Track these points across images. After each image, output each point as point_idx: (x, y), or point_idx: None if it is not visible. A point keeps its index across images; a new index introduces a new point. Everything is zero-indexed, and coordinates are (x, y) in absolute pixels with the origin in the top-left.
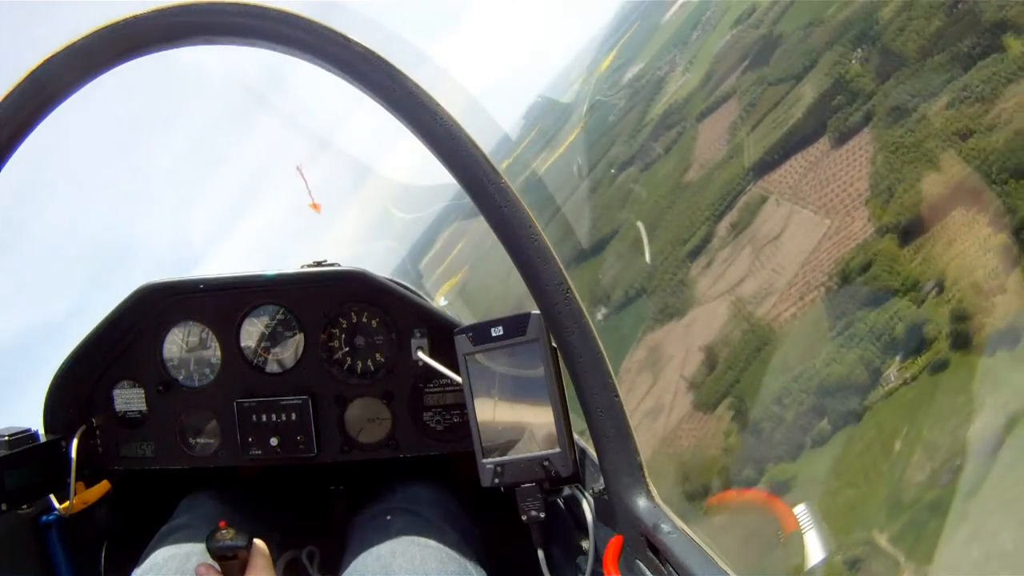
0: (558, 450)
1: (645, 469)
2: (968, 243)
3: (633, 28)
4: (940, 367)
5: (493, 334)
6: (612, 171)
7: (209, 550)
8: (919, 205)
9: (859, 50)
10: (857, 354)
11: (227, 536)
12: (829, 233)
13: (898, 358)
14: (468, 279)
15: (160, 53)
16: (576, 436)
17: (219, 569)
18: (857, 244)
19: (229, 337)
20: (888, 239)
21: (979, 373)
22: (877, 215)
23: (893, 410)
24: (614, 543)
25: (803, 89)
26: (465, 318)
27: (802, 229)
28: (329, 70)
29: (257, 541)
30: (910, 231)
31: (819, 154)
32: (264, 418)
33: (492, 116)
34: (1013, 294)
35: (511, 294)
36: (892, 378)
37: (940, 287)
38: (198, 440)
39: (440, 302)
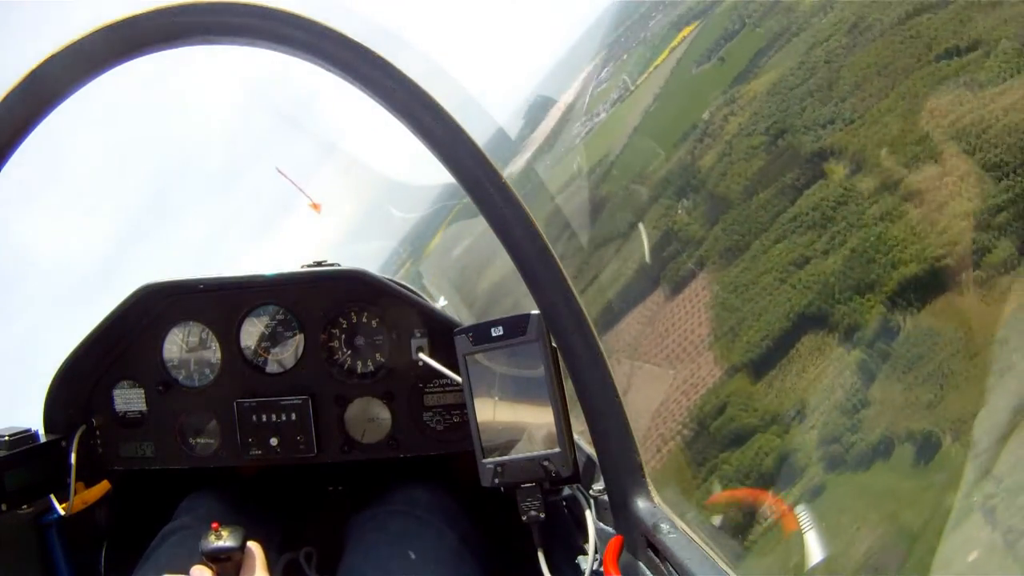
0: (558, 450)
1: (645, 469)
2: (823, 365)
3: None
4: (817, 493)
5: (493, 334)
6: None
7: (202, 552)
8: (766, 340)
9: (684, 200)
10: None
11: (220, 538)
12: (677, 383)
13: (771, 491)
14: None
15: (160, 53)
16: (576, 436)
17: (213, 570)
18: (708, 389)
19: (229, 337)
20: (739, 378)
21: (858, 490)
22: (724, 356)
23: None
24: (614, 543)
25: (631, 246)
26: (465, 318)
27: (648, 383)
28: (329, 70)
29: (251, 542)
30: (761, 365)
31: (655, 307)
32: (264, 418)
33: (492, 115)
34: (877, 407)
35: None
36: (768, 513)
37: (801, 414)
38: (198, 440)
39: (440, 302)
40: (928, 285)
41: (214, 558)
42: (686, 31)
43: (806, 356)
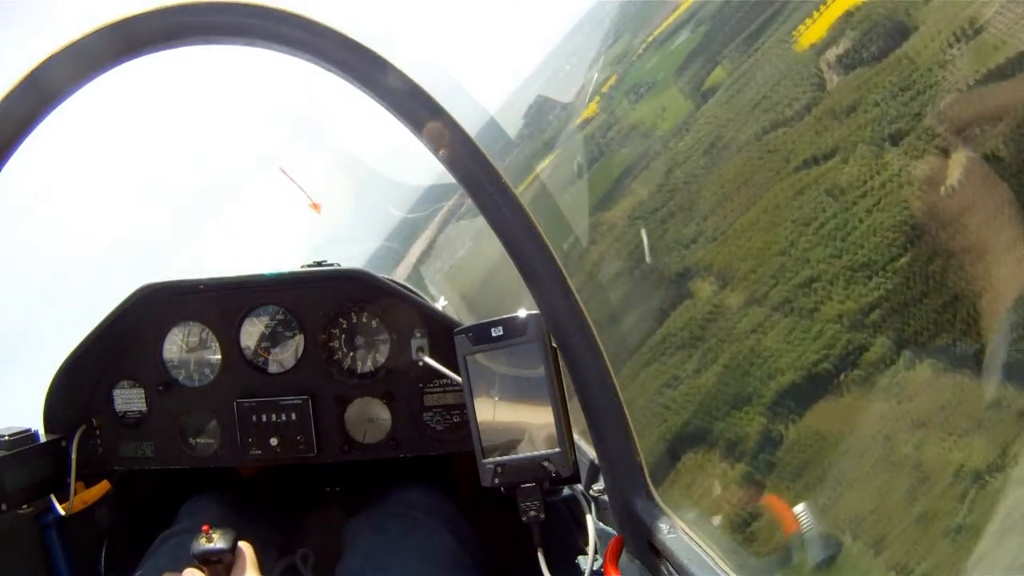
0: (558, 450)
1: (645, 469)
2: (707, 483)
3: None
4: None
5: (493, 334)
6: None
7: (193, 555)
8: (647, 460)
9: None
10: None
11: (211, 540)
12: None
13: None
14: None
15: (160, 53)
16: (576, 436)
17: (205, 572)
18: None
19: (229, 337)
20: None
21: None
22: None
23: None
24: (614, 543)
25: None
26: (465, 318)
27: None
28: (329, 69)
29: (242, 543)
30: None
31: None
32: (264, 418)
33: (492, 115)
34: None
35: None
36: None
37: None
38: (198, 440)
39: (440, 302)
40: (807, 391)
41: (205, 560)
42: (547, 160)
43: (687, 475)
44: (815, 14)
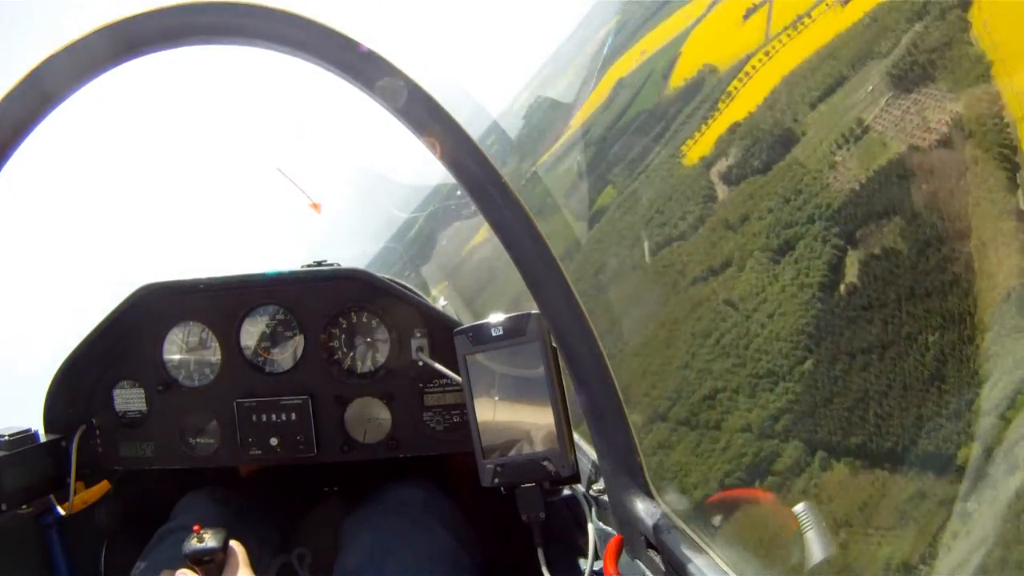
0: (558, 450)
1: (645, 469)
2: None
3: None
4: None
5: (493, 334)
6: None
7: (185, 554)
8: None
9: None
10: None
11: (202, 540)
12: None
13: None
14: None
15: (160, 53)
16: (576, 436)
17: (197, 572)
18: None
19: (229, 337)
20: None
21: None
22: None
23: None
24: (614, 543)
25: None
26: (465, 318)
27: None
28: (329, 70)
29: (234, 543)
30: None
31: None
32: (264, 418)
33: (492, 115)
34: None
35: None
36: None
37: None
38: (198, 440)
39: (440, 302)
40: None
41: (197, 560)
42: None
43: None
44: (703, 127)
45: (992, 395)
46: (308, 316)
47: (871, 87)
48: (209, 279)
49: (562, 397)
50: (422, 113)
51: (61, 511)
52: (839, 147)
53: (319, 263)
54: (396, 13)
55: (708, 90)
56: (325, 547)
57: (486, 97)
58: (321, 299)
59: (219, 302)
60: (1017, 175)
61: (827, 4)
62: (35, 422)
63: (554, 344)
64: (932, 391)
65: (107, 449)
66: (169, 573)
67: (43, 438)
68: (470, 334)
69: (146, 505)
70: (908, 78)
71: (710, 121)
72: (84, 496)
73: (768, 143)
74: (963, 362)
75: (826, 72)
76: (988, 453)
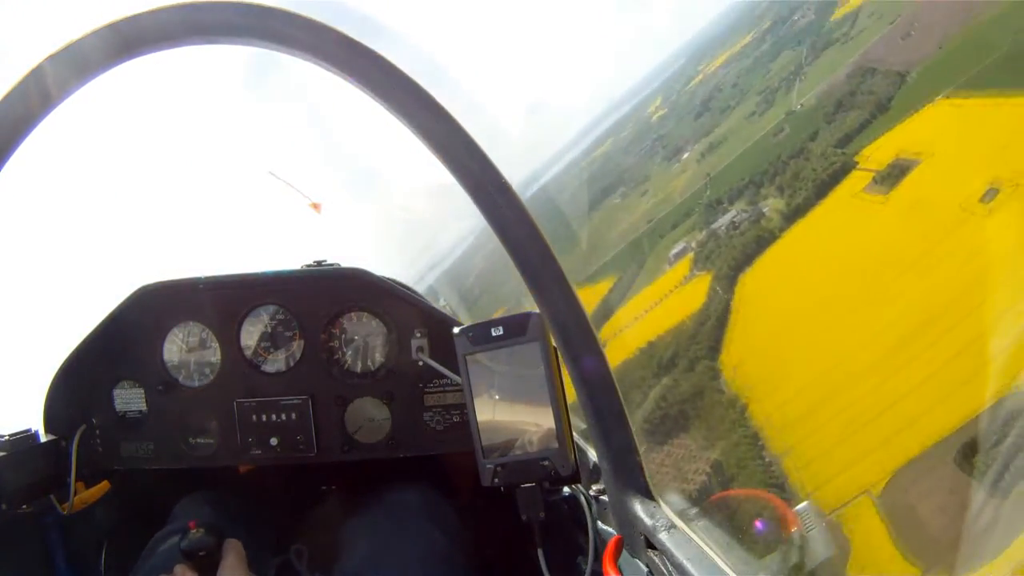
0: (558, 450)
1: (645, 469)
2: None
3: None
4: None
5: (493, 334)
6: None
7: (180, 551)
8: None
9: None
10: None
11: (197, 536)
12: None
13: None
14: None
15: (160, 53)
16: (576, 436)
17: (193, 568)
18: None
19: (229, 337)
20: None
21: None
22: None
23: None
24: (614, 543)
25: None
26: (465, 318)
27: None
28: (329, 69)
29: (230, 539)
30: None
31: None
32: (264, 418)
33: (492, 115)
34: None
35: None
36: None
37: None
38: (198, 440)
39: (440, 302)
40: None
41: (191, 556)
42: None
43: None
44: None
45: None
46: (308, 316)
47: None
48: (209, 279)
49: (562, 397)
50: (422, 112)
51: (61, 511)
52: None
53: (319, 263)
54: (396, 12)
55: None
56: (324, 546)
57: (487, 97)
58: (321, 299)
59: (219, 302)
60: None
61: None
62: (35, 422)
63: (554, 344)
64: None
65: (107, 449)
66: (166, 573)
67: (43, 438)
68: (470, 334)
69: (146, 505)
70: None
71: None
72: (84, 496)
73: None
74: None
75: None
76: None
